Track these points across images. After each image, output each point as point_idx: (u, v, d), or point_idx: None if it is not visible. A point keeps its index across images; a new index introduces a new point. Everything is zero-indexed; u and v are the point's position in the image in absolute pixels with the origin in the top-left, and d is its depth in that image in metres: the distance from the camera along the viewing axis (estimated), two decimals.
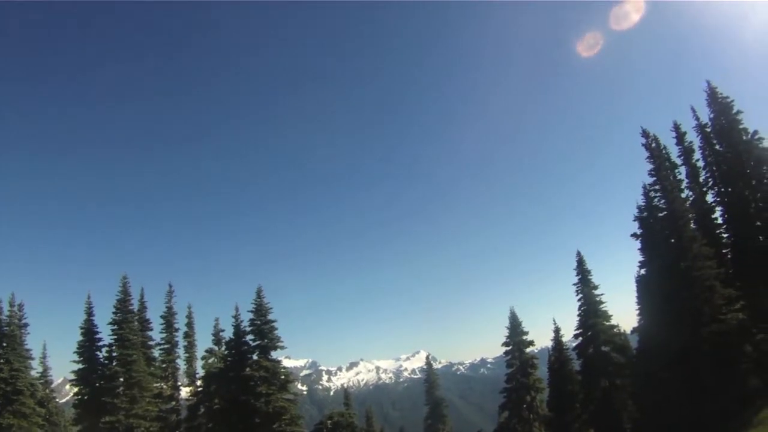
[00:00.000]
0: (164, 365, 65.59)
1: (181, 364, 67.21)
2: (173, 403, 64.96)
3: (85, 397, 57.83)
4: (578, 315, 62.57)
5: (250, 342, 59.49)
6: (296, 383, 66.39)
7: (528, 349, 67.00)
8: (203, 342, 65.69)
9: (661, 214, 50.20)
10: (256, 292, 59.79)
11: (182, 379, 67.18)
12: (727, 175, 53.50)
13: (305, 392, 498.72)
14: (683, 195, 54.47)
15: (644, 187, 51.64)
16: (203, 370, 62.95)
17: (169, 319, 67.00)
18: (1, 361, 50.15)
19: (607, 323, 60.95)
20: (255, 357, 58.78)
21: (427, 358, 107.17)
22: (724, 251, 52.12)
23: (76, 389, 59.76)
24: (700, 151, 57.09)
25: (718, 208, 55.25)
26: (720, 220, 54.86)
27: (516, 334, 66.89)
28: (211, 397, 59.70)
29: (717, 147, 55.37)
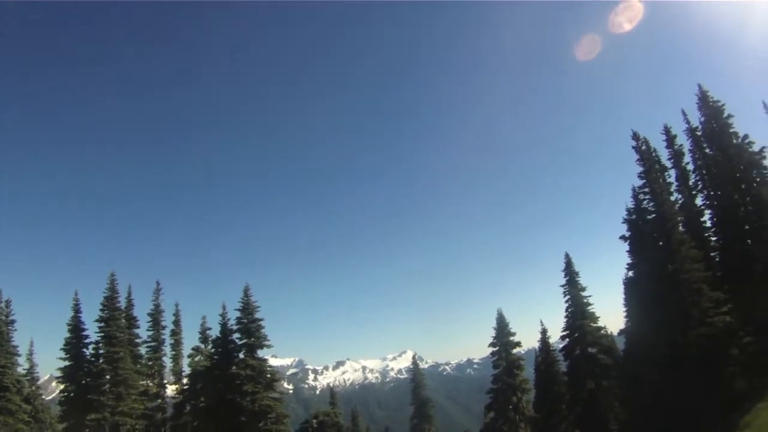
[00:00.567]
0: (150, 363, 65.03)
1: (168, 362, 66.86)
2: (159, 401, 64.38)
3: (71, 394, 57.38)
4: (565, 316, 62.53)
5: (237, 340, 59.20)
6: (282, 382, 66.08)
7: (515, 350, 66.63)
8: (190, 340, 65.33)
9: (649, 217, 50.00)
10: (243, 290, 59.58)
11: (168, 377, 66.75)
12: (716, 179, 53.41)
13: (291, 391, 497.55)
14: (672, 198, 54.35)
15: (633, 190, 51.48)
16: (190, 368, 62.74)
17: (156, 316, 66.49)
18: None
19: (594, 325, 60.87)
20: (241, 355, 58.52)
21: (414, 357, 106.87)
22: (712, 254, 51.95)
23: (62, 386, 59.44)
24: (690, 155, 57.12)
25: (707, 212, 55.21)
26: (709, 224, 54.71)
27: (503, 335, 66.50)
28: (197, 396, 59.34)
29: (707, 150, 55.33)
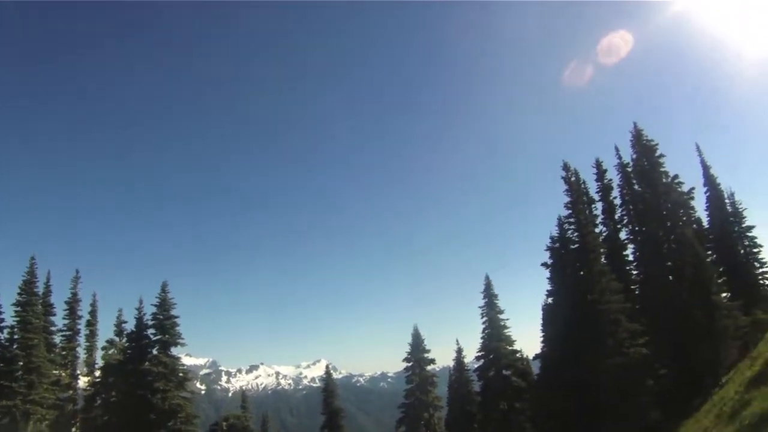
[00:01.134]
0: (64, 353, 62.71)
1: (82, 352, 64.47)
2: (71, 392, 62.12)
3: None
4: (482, 337, 62.70)
5: (152, 336, 58.04)
6: (195, 382, 64.56)
7: (429, 367, 66.54)
8: (105, 332, 63.10)
9: (573, 246, 50.59)
10: (161, 286, 58.35)
11: (82, 368, 64.47)
12: (642, 215, 54.20)
13: (203, 391, 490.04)
14: (597, 230, 55.07)
15: (559, 219, 52.04)
16: (103, 361, 60.74)
17: (73, 305, 64.14)
18: None
19: (510, 347, 61.27)
20: (155, 352, 57.34)
21: (327, 367, 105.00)
22: (632, 287, 52.75)
23: None
24: (619, 190, 58.04)
25: (630, 246, 55.99)
26: (631, 257, 55.60)
27: (418, 351, 66.36)
28: (108, 389, 58.03)
29: (636, 187, 56.12)
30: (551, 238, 52.71)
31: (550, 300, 52.49)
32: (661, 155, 54.62)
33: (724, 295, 49.48)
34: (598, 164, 59.47)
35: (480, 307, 63.79)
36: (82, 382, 64.12)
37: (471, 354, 65.73)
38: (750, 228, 61.03)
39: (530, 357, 59.77)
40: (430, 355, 66.33)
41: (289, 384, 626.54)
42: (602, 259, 49.72)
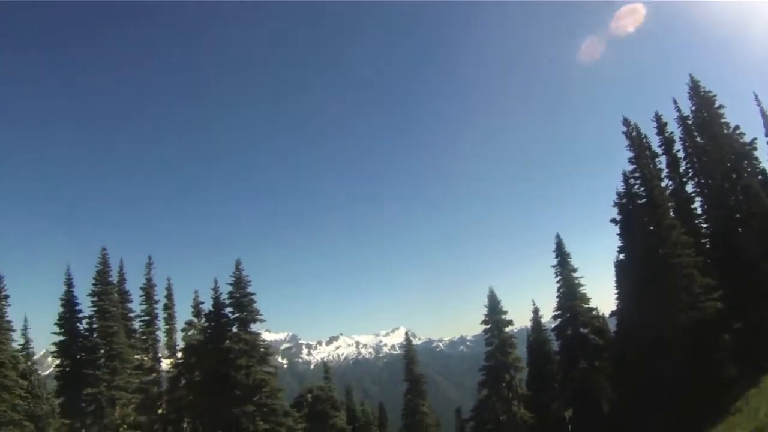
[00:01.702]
0: (144, 337, 64.62)
1: (161, 336, 66.24)
2: (154, 374, 64.00)
3: (67, 369, 57.10)
4: (557, 297, 62.27)
5: (230, 315, 58.21)
6: (276, 356, 65.48)
7: (507, 329, 66.28)
8: (183, 314, 64.74)
9: (640, 201, 49.92)
10: (234, 264, 58.41)
11: (162, 351, 66.20)
12: (706, 167, 53.07)
13: (286, 365, 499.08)
14: (663, 184, 53.71)
15: (624, 174, 51.36)
16: (183, 343, 61.88)
17: (148, 291, 65.65)
18: None
19: (586, 306, 60.77)
20: (234, 330, 57.81)
21: (407, 334, 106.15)
22: (702, 241, 51.73)
23: (57, 361, 59.14)
24: (681, 143, 56.58)
25: (698, 199, 54.79)
26: (699, 211, 54.46)
27: (495, 313, 66.21)
28: (191, 369, 58.83)
29: (698, 139, 54.83)
30: (618, 194, 52.15)
31: (621, 256, 52.11)
32: (721, 106, 53.17)
33: None
34: (658, 118, 57.84)
35: (553, 267, 63.45)
36: (165, 364, 65.70)
37: (547, 314, 65.70)
38: None
39: (606, 314, 59.44)
40: (507, 317, 66.09)
41: (370, 353, 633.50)
42: (670, 213, 49.02)
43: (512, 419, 59.12)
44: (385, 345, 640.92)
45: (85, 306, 58.60)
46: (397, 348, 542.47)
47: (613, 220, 52.20)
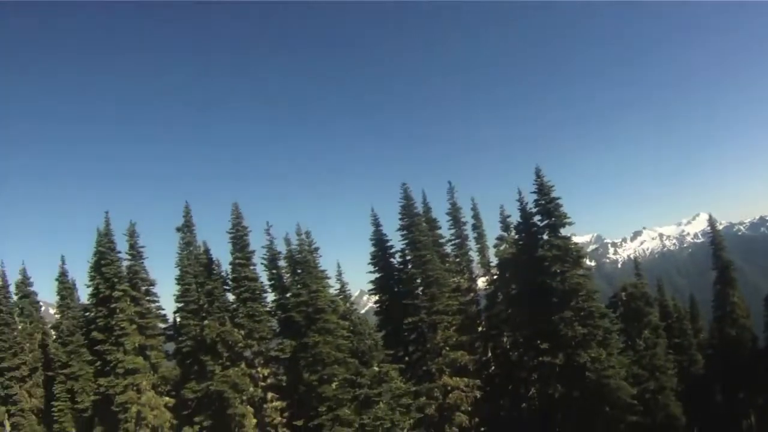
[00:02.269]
0: (458, 260, 64.58)
1: (474, 256, 65.62)
2: (471, 294, 63.90)
3: (386, 304, 59.55)
4: None
5: (538, 223, 56.57)
6: (584, 259, 63.36)
7: None
8: (491, 231, 64.11)
9: None
10: (534, 172, 55.61)
11: (477, 270, 65.92)
12: None
13: (593, 267, 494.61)
14: None
15: None
16: (496, 258, 61.02)
17: (454, 214, 64.69)
18: (299, 286, 52.67)
19: None
20: (545, 237, 56.03)
21: (710, 219, 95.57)
22: None
23: (375, 297, 61.81)
24: None
25: None
26: None
27: None
28: (507, 284, 58.00)
29: None
30: None
31: None
32: None
33: None
34: None
35: None
36: (480, 282, 65.69)
37: None
38: None
39: None
40: None
41: (673, 244, 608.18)
42: None
43: None
44: (687, 234, 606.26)
45: (395, 241, 60.01)
46: (699, 236, 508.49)
47: None
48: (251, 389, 49.88)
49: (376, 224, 59.90)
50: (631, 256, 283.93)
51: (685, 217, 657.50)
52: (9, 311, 64.02)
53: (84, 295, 62.45)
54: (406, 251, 58.86)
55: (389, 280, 59.50)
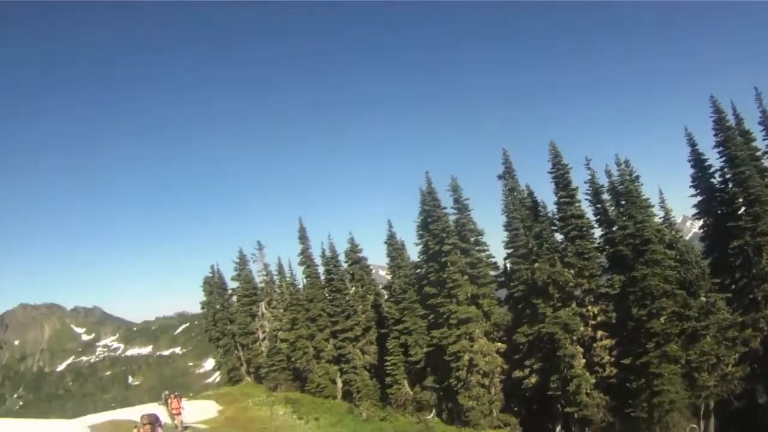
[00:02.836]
0: None
1: None
2: None
3: (710, 228, 56.06)
4: None
5: None
6: None
7: None
8: None
9: None
10: None
11: None
12: None
13: None
14: None
15: None
16: None
17: (767, 123, 58.82)
18: (624, 218, 50.97)
19: None
20: None
21: None
22: None
23: (699, 222, 58.68)
24: None
25: None
26: None
27: None
28: None
29: None
30: None
31: None
32: None
33: None
34: None
35: None
36: None
37: None
38: None
39: None
40: None
41: None
42: None
43: None
44: None
45: (713, 160, 55.87)
46: None
47: None
48: (581, 329, 49.21)
49: (692, 144, 55.84)
50: None
51: None
52: (341, 278, 71.08)
53: (413, 253, 66.30)
54: (725, 169, 54.52)
55: (711, 202, 55.45)
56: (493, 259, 59.77)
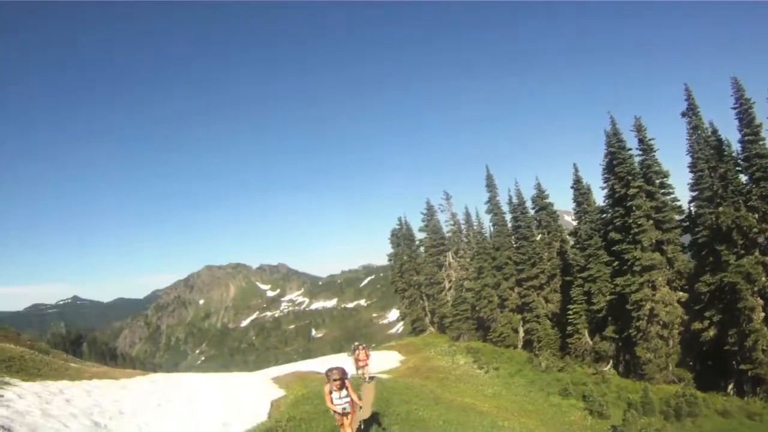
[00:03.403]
0: None
1: None
2: None
3: None
4: None
5: None
6: None
7: None
8: None
9: None
10: None
11: None
12: None
13: None
14: None
15: None
16: None
17: None
18: None
19: None
20: None
21: None
22: None
23: None
24: None
25: None
26: None
27: None
28: None
29: None
30: None
31: None
32: None
33: None
34: None
35: None
36: None
37: None
38: None
39: None
40: None
41: None
42: None
43: None
44: None
45: None
46: None
47: None
48: (762, 279, 47.83)
49: None
50: None
51: None
52: (527, 225, 73.29)
53: (599, 198, 66.30)
54: None
55: None
56: (678, 203, 58.55)
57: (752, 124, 50.69)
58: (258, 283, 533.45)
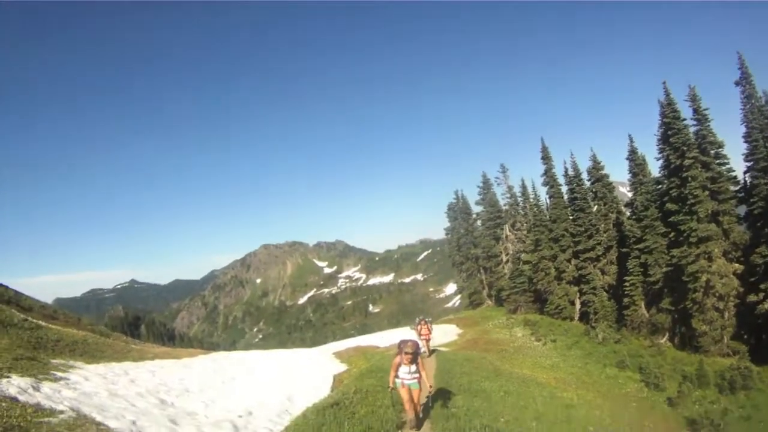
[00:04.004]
0: None
1: None
2: None
3: None
4: None
5: None
6: None
7: None
8: None
9: None
10: None
11: None
12: None
13: None
14: None
15: None
16: None
17: None
18: None
19: None
20: None
21: None
22: None
23: None
24: None
25: None
26: None
27: None
28: None
29: None
30: None
31: None
32: None
33: None
34: None
35: None
36: None
37: None
38: None
39: None
40: None
41: None
42: None
43: None
44: None
45: None
46: None
47: None
48: None
49: None
50: None
51: None
52: (583, 197, 74.79)
53: (655, 168, 67.11)
54: None
55: None
56: (733, 173, 59.16)
57: None
58: (315, 261, 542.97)
